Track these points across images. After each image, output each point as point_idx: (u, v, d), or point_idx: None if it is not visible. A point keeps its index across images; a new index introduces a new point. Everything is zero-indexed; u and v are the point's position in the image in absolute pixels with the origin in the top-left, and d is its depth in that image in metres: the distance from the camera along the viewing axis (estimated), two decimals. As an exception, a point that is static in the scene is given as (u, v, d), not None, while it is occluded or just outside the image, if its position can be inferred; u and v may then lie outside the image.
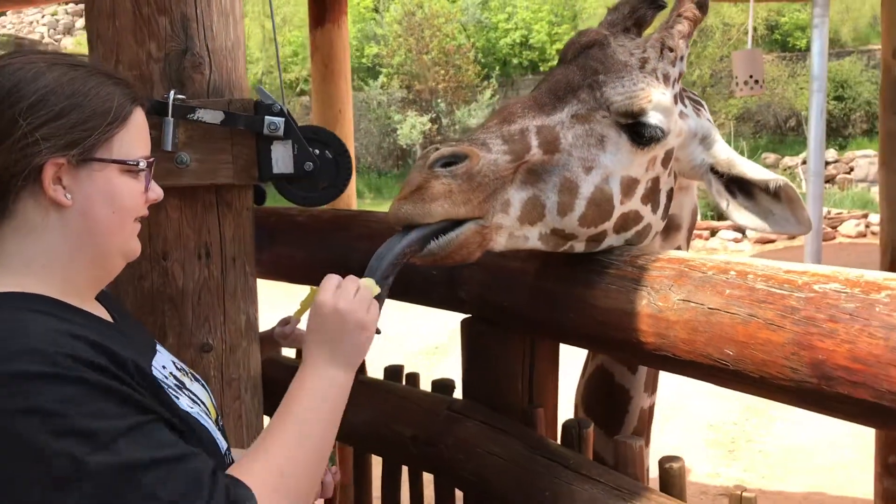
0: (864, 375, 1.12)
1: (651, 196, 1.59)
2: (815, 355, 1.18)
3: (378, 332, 1.30)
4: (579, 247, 1.57)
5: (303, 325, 1.83)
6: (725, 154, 1.66)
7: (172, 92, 1.53)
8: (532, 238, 1.51)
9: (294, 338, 1.96)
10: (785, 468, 5.52)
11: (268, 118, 1.56)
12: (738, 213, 1.63)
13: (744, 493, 1.41)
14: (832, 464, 5.60)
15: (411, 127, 22.39)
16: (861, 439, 5.69)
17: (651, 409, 1.96)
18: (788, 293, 1.24)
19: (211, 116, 1.54)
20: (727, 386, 1.38)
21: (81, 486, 0.92)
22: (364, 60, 24.24)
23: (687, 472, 1.59)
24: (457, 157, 1.40)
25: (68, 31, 32.41)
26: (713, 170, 1.66)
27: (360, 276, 1.34)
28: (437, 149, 1.41)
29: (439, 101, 23.33)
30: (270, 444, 1.11)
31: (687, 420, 6.39)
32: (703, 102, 1.78)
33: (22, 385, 0.93)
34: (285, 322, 1.97)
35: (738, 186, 1.65)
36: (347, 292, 1.26)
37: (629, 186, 1.54)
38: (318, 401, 1.17)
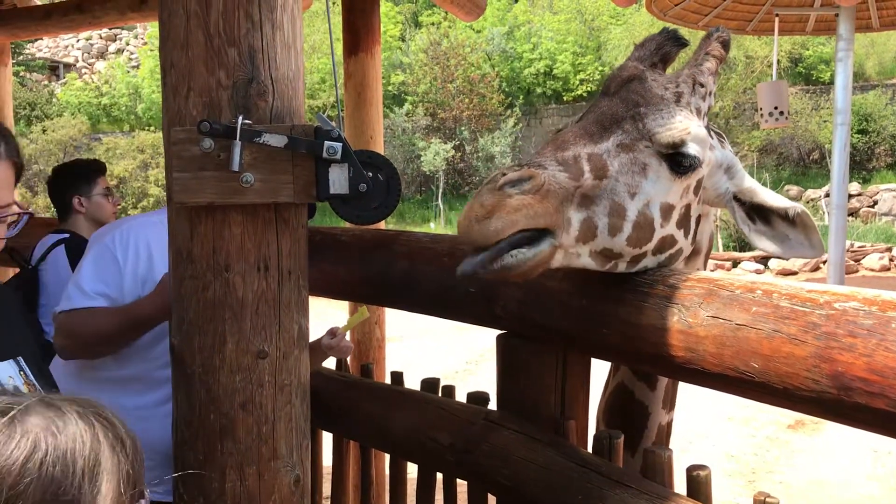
0: (881, 386, 1.22)
1: (684, 222, 1.71)
2: (835, 367, 1.28)
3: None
4: (622, 266, 1.68)
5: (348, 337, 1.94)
6: (748, 184, 1.78)
7: (241, 117, 1.66)
8: (584, 256, 1.61)
9: (340, 349, 2.06)
10: (806, 501, 5.51)
11: (327, 143, 1.69)
12: (758, 238, 1.76)
13: (767, 499, 1.49)
14: (855, 498, 5.59)
15: (435, 154, 22.60)
16: (886, 475, 5.68)
17: (669, 425, 2.05)
18: (810, 310, 1.34)
19: (276, 140, 1.67)
20: (752, 397, 1.47)
21: None
22: (390, 88, 24.56)
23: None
24: (522, 180, 1.49)
25: (101, 55, 33.09)
26: (736, 198, 1.78)
27: (406, 294, 1.44)
28: (503, 174, 1.51)
29: (463, 128, 23.55)
30: None
31: (707, 449, 6.40)
32: (724, 135, 1.90)
33: None
34: (332, 334, 2.07)
35: (758, 213, 1.77)
36: None
37: (667, 212, 1.66)
38: None
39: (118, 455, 1.04)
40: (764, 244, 1.74)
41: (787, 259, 15.86)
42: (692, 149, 1.63)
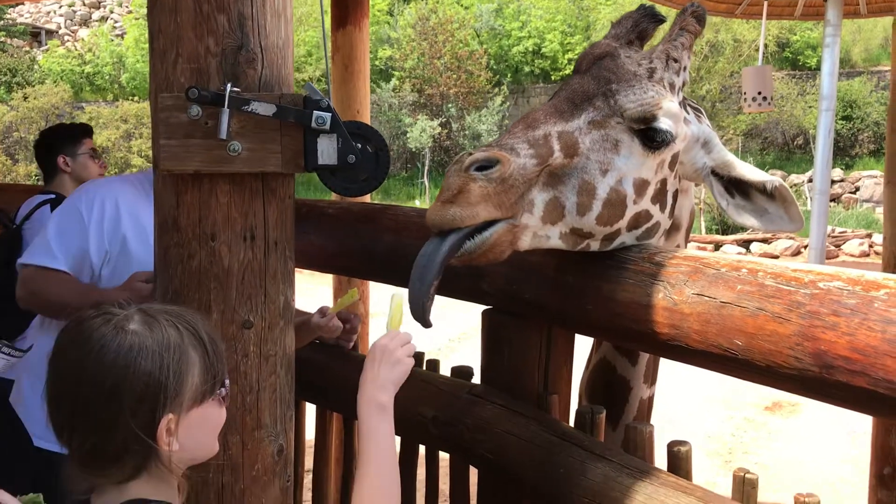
0: (862, 365, 1.24)
1: (660, 197, 1.72)
2: (818, 346, 1.29)
3: (429, 325, 1.51)
4: (595, 245, 1.69)
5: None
6: (725, 157, 1.79)
7: (229, 84, 1.64)
8: (553, 237, 1.62)
9: (329, 328, 2.06)
10: (781, 481, 5.59)
11: (316, 112, 1.67)
12: (736, 212, 1.77)
13: (747, 475, 1.52)
14: (829, 479, 5.68)
15: (421, 131, 22.51)
16: (859, 456, 5.77)
17: (650, 400, 2.08)
18: (795, 289, 1.35)
19: (264, 109, 1.65)
20: (736, 375, 1.49)
21: None
22: (377, 63, 24.38)
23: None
24: (490, 161, 1.51)
25: (84, 22, 32.58)
26: (714, 172, 1.79)
27: (390, 269, 1.47)
28: (470, 154, 1.53)
29: (450, 105, 23.45)
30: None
31: (685, 430, 6.47)
32: (702, 109, 1.91)
33: None
34: (322, 313, 2.07)
35: (737, 188, 1.78)
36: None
37: (641, 187, 1.66)
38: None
39: (199, 353, 1.32)
40: (743, 218, 1.76)
41: (768, 233, 16.00)
42: (664, 123, 1.63)
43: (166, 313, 1.34)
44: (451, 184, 1.50)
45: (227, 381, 1.41)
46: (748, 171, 1.76)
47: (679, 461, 1.65)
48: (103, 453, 1.27)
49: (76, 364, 1.28)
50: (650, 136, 1.64)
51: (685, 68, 1.77)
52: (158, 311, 1.35)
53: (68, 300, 2.37)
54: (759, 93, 7.64)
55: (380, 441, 1.46)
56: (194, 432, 1.33)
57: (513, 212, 1.53)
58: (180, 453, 1.31)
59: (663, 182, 1.72)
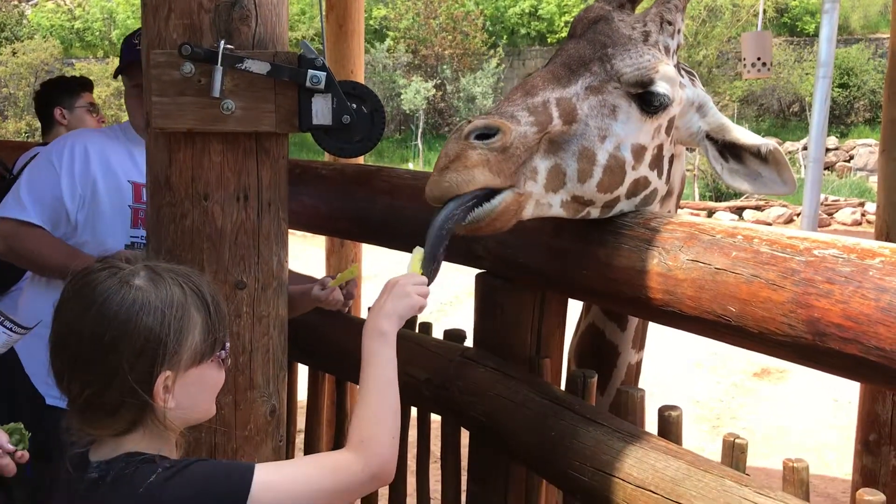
0: (855, 332, 1.24)
1: (657, 162, 1.71)
2: (812, 313, 1.29)
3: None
4: (595, 212, 1.68)
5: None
6: (720, 121, 1.78)
7: (222, 41, 1.61)
8: (555, 205, 1.61)
9: (329, 301, 2.08)
10: (768, 446, 5.66)
11: (311, 71, 1.65)
12: (730, 176, 1.76)
13: (736, 440, 1.53)
14: (815, 445, 5.75)
15: (415, 92, 22.32)
16: (844, 423, 5.84)
17: (638, 365, 2.09)
18: (790, 256, 1.35)
19: (258, 67, 1.63)
20: (729, 341, 1.49)
21: None
22: (371, 22, 24.08)
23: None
24: (490, 129, 1.49)
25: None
26: (708, 136, 1.78)
27: (384, 231, 1.46)
28: (469, 121, 1.51)
29: (445, 67, 23.24)
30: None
31: (673, 395, 6.53)
32: (695, 73, 1.89)
33: None
34: (323, 285, 2.09)
35: (730, 151, 1.77)
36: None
37: (639, 153, 1.65)
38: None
39: (201, 314, 1.34)
40: (737, 182, 1.75)
41: (761, 200, 16.02)
42: (661, 87, 1.62)
43: (172, 272, 1.35)
44: (448, 150, 1.49)
45: (228, 344, 1.42)
46: (743, 134, 1.75)
47: (669, 426, 1.66)
48: (100, 404, 1.29)
49: (79, 314, 1.29)
50: (647, 101, 1.62)
51: (679, 31, 1.75)
52: (165, 269, 1.36)
53: (44, 256, 2.42)
54: (759, 58, 7.59)
55: (379, 364, 1.46)
56: (191, 391, 1.34)
57: (512, 180, 1.52)
58: (176, 412, 1.32)
59: (660, 147, 1.70)
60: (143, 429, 1.32)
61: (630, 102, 1.63)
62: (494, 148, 1.48)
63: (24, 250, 2.46)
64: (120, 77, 2.59)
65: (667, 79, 1.63)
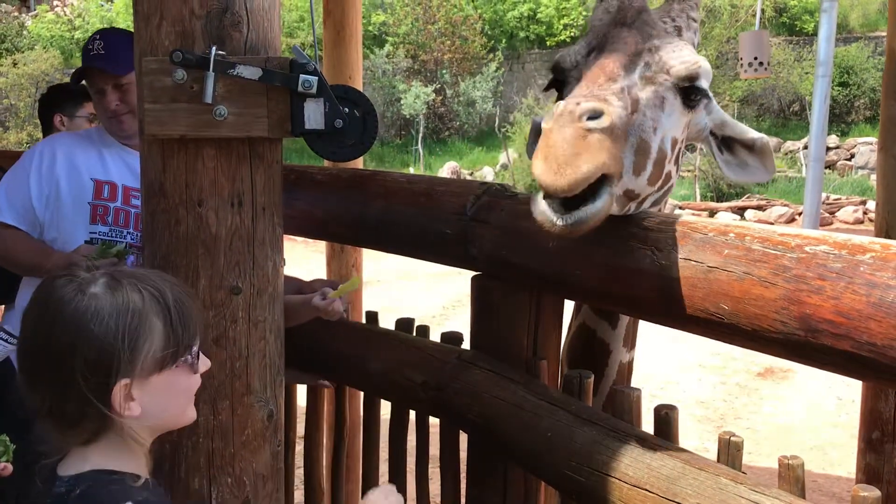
0: (847, 328, 1.24)
1: (678, 157, 1.71)
2: (804, 310, 1.29)
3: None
4: (632, 208, 1.64)
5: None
6: (722, 117, 1.80)
7: (214, 47, 1.62)
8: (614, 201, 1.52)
9: (329, 312, 2.10)
10: (772, 446, 5.65)
11: (302, 76, 1.65)
12: (725, 166, 1.79)
13: (732, 438, 1.53)
14: (820, 444, 5.74)
15: (415, 97, 22.34)
16: (847, 421, 5.83)
17: (630, 364, 2.08)
18: (782, 253, 1.35)
19: (250, 72, 1.63)
20: (722, 339, 1.49)
21: None
22: (370, 28, 24.10)
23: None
24: (596, 111, 1.41)
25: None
26: (711, 132, 1.80)
27: (380, 235, 1.42)
28: (577, 103, 1.40)
29: (444, 72, 23.26)
30: None
31: (677, 396, 6.53)
32: None
33: None
34: (324, 295, 2.10)
35: (726, 145, 1.80)
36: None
37: (673, 147, 1.65)
38: None
39: (161, 319, 1.31)
40: (730, 172, 1.78)
41: (749, 183, 15.98)
42: (704, 82, 1.63)
43: (133, 277, 1.34)
44: (566, 135, 1.37)
45: (196, 348, 1.39)
46: (739, 129, 1.78)
47: (666, 425, 1.66)
48: (62, 414, 1.28)
49: (37, 321, 1.30)
50: (689, 95, 1.63)
51: (698, 29, 1.78)
52: (125, 275, 1.34)
53: (19, 255, 2.53)
54: (756, 58, 7.59)
55: None
56: (159, 399, 1.32)
57: (619, 168, 1.45)
58: (143, 419, 1.31)
59: (682, 142, 1.72)
60: (105, 440, 1.31)
61: (675, 95, 1.62)
62: (605, 129, 1.39)
63: (2, 249, 2.55)
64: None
65: (706, 75, 1.64)
